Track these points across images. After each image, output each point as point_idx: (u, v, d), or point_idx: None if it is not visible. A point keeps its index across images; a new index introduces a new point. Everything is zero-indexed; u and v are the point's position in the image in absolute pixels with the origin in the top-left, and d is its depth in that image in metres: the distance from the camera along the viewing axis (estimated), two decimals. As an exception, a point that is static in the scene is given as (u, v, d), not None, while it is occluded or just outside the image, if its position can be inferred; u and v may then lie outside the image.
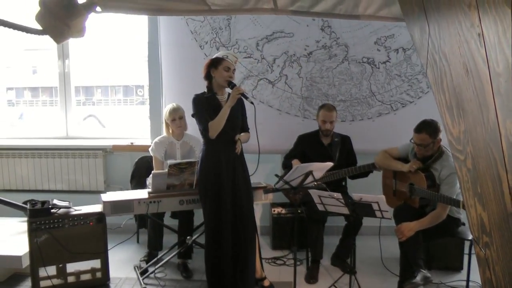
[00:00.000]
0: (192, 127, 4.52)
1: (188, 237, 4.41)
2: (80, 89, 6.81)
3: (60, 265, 4.13)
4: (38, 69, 8.05)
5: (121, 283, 4.32)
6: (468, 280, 3.96)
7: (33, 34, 1.92)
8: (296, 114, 5.22)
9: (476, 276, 3.36)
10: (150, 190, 4.19)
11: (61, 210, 4.15)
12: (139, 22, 5.60)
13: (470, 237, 3.83)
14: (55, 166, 5.66)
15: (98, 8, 2.07)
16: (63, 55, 5.77)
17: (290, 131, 5.03)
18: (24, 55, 6.81)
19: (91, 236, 4.14)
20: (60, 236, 4.04)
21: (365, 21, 4.29)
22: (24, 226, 4.15)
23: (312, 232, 4.46)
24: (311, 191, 3.75)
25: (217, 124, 3.81)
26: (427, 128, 3.92)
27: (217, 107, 3.86)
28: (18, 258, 4.08)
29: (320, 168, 3.87)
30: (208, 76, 3.91)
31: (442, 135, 3.89)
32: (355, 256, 4.25)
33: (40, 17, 1.91)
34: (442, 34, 1.72)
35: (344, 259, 4.60)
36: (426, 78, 2.03)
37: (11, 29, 1.89)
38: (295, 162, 4.59)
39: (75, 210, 4.20)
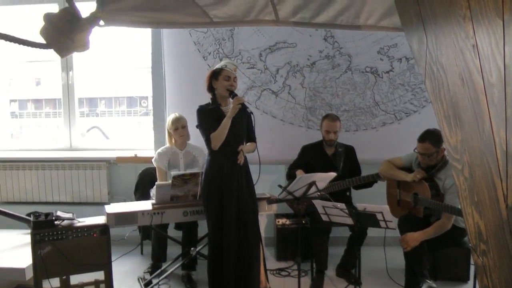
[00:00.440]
0: (195, 137, 4.57)
1: (192, 249, 4.43)
2: (84, 101, 6.87)
3: (64, 277, 4.15)
4: (42, 81, 8.13)
5: (125, 295, 4.35)
6: (474, 291, 3.97)
7: (38, 48, 1.98)
8: (299, 124, 5.27)
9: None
10: (154, 201, 4.23)
11: (65, 222, 4.16)
12: (142, 33, 5.67)
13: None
14: (58, 178, 5.71)
15: (101, 22, 2.13)
16: (67, 67, 5.85)
17: (293, 141, 5.07)
18: (27, 67, 6.89)
19: (95, 248, 4.15)
20: (63, 248, 4.05)
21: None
22: (28, 238, 4.16)
23: (317, 243, 4.48)
24: (315, 202, 3.77)
25: (219, 135, 3.86)
26: (431, 137, 3.95)
27: (221, 118, 3.90)
28: (22, 270, 4.11)
29: (323, 178, 3.90)
30: (211, 88, 3.98)
31: (445, 145, 3.92)
32: (360, 267, 4.26)
33: (44, 32, 1.97)
34: (439, 45, 1.77)
35: (349, 269, 4.62)
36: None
37: (16, 44, 1.95)
38: (299, 173, 4.62)
39: (79, 221, 4.21)
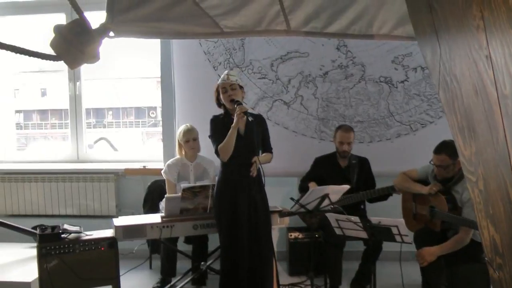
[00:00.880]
0: (205, 148, 4.60)
1: (202, 263, 4.46)
2: (91, 111, 6.93)
3: (71, 292, 4.19)
4: (48, 91, 8.22)
5: (133, 311, 4.37)
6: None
7: (48, 60, 2.04)
8: (312, 135, 5.29)
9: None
10: (163, 214, 4.26)
11: (72, 235, 4.18)
12: (151, 43, 5.71)
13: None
14: (65, 190, 5.75)
15: (111, 33, 2.18)
16: (74, 78, 5.92)
17: (306, 153, 5.09)
18: (32, 77, 6.98)
19: (103, 262, 4.17)
20: (70, 262, 4.06)
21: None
22: (34, 252, 4.17)
23: (330, 257, 4.49)
24: (328, 215, 3.79)
25: (226, 147, 3.88)
26: (447, 149, 3.92)
27: (233, 129, 3.95)
28: (27, 285, 4.15)
29: (336, 191, 3.92)
30: (220, 104, 4.05)
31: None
32: (375, 282, 4.25)
33: (54, 44, 2.03)
34: (453, 56, 1.80)
35: (364, 285, 4.61)
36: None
37: (26, 56, 2.01)
38: (312, 185, 4.64)
39: (86, 235, 4.23)
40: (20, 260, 4.62)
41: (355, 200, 4.66)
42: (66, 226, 4.27)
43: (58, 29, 2.03)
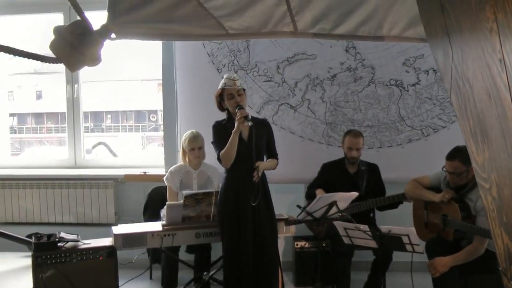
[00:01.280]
0: (210, 154, 4.62)
1: (205, 273, 4.46)
2: (89, 115, 6.95)
3: (68, 303, 4.20)
4: (43, 93, 8.24)
5: (132, 323, 4.38)
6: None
7: (47, 63, 2.06)
8: (319, 141, 5.31)
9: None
10: (164, 222, 4.27)
11: (69, 244, 4.19)
12: (153, 44, 5.74)
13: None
14: (62, 197, 5.76)
15: (113, 35, 2.20)
16: (72, 80, 5.94)
17: (313, 159, 5.11)
18: (28, 79, 6.99)
19: (101, 272, 4.17)
20: (67, 272, 4.06)
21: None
22: (28, 261, 4.19)
23: (338, 267, 4.49)
24: (336, 223, 3.81)
25: (228, 153, 3.91)
26: (460, 155, 3.91)
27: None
28: (23, 295, 4.18)
29: (344, 198, 3.94)
30: (222, 108, 4.07)
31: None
32: (385, 294, 4.28)
33: (54, 46, 2.04)
34: (465, 59, 1.82)
35: (373, 297, 4.64)
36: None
37: (25, 58, 2.03)
38: (319, 192, 4.66)
39: (84, 243, 4.23)
40: (14, 270, 4.65)
41: (364, 208, 4.67)
42: (62, 235, 4.27)
43: (58, 30, 2.05)
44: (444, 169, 4.06)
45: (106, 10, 2.17)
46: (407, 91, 5.18)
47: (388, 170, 4.98)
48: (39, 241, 4.12)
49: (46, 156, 6.54)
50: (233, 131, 3.90)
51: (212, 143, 4.10)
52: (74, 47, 2.02)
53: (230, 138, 3.90)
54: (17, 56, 2.09)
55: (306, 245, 5.14)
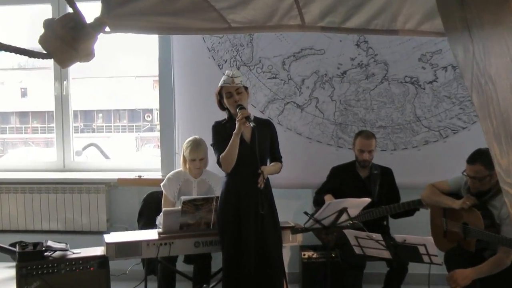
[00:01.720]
0: (212, 157, 4.59)
1: (204, 285, 4.46)
2: (78, 114, 6.94)
3: (55, 318, 4.20)
4: (28, 91, 8.25)
5: None
6: None
7: (37, 58, 2.07)
8: (328, 142, 5.30)
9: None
10: (160, 230, 4.28)
11: (57, 253, 4.18)
12: (148, 37, 5.73)
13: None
14: (49, 202, 5.75)
15: (107, 28, 2.21)
16: (61, 76, 5.93)
17: (322, 162, 5.11)
18: (11, 75, 6.97)
19: (92, 284, 4.17)
20: (55, 284, 4.05)
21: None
22: (12, 272, 4.18)
23: (349, 280, 4.50)
24: (347, 232, 3.81)
25: (228, 157, 3.92)
26: (483, 158, 3.88)
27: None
28: (5, 310, 4.17)
29: (356, 205, 3.94)
30: (223, 107, 4.08)
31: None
32: (399, 309, 4.29)
33: (44, 40, 2.04)
34: (487, 55, 1.83)
35: (387, 312, 4.64)
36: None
37: (13, 53, 2.03)
38: (328, 198, 4.66)
39: (73, 253, 4.24)
40: (-3, 281, 4.64)
41: (376, 216, 4.67)
42: (50, 243, 4.27)
43: (48, 23, 2.05)
44: (465, 173, 4.04)
45: (100, 1, 2.18)
46: (424, 89, 5.18)
47: (402, 174, 4.96)
48: (24, 250, 4.11)
49: (32, 158, 6.55)
50: (234, 132, 3.91)
51: (211, 145, 4.11)
52: (66, 42, 2.02)
53: (231, 140, 3.91)
54: (2, 51, 2.09)
55: (314, 256, 5.14)
